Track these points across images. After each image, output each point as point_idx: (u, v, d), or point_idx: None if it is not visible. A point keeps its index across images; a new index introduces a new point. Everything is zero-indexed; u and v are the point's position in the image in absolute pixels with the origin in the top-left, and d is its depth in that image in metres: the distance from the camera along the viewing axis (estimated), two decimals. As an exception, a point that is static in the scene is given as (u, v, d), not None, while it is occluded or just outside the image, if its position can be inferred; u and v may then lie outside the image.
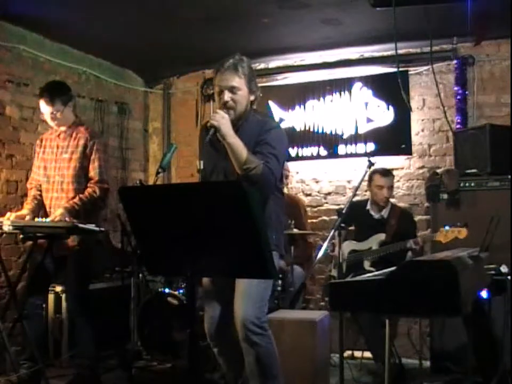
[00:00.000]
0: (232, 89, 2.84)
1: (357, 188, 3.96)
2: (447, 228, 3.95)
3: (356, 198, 4.50)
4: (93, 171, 3.74)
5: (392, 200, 5.14)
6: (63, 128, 3.83)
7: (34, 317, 3.77)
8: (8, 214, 3.71)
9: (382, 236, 4.41)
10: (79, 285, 3.77)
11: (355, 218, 4.35)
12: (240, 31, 4.92)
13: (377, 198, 4.52)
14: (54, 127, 3.87)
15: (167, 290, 4.46)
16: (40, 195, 3.88)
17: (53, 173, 3.80)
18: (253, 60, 5.74)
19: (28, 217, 3.69)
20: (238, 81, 2.84)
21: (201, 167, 2.93)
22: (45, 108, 3.79)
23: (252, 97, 2.93)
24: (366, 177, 4.36)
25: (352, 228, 4.47)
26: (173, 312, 4.32)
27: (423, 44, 5.06)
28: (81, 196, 3.69)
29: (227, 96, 2.84)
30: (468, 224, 3.88)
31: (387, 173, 4.52)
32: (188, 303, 3.67)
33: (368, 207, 4.57)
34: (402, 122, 5.29)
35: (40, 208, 3.86)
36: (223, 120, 2.74)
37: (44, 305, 4.34)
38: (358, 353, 4.66)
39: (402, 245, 4.23)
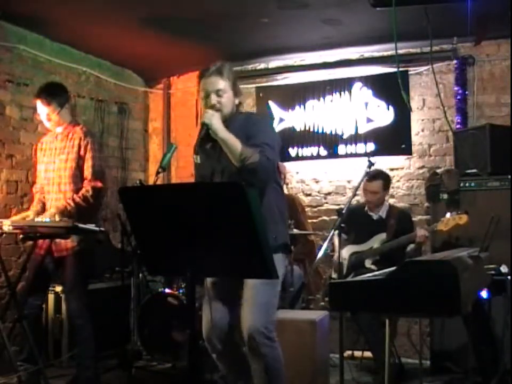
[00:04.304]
0: (218, 92, 2.88)
1: (356, 188, 3.97)
2: (447, 216, 3.94)
3: (353, 203, 4.50)
4: (87, 170, 3.75)
5: (391, 200, 5.15)
6: (59, 130, 3.85)
7: (31, 316, 3.77)
8: (13, 218, 3.75)
9: (383, 236, 4.42)
10: (79, 285, 3.77)
11: (354, 222, 4.35)
12: (240, 31, 4.92)
13: (365, 199, 4.57)
14: (50, 128, 3.89)
15: (167, 290, 4.46)
16: (44, 197, 3.90)
17: (52, 174, 3.82)
18: (253, 60, 5.81)
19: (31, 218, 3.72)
20: (223, 84, 2.89)
21: (198, 160, 3.02)
22: (41, 109, 3.81)
23: (237, 101, 2.97)
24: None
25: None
26: (173, 312, 4.32)
27: (423, 43, 5.06)
28: (74, 196, 3.70)
29: (214, 99, 2.88)
30: (468, 211, 3.88)
31: (371, 177, 4.38)
32: (188, 303, 3.67)
33: (366, 208, 4.58)
34: (402, 122, 5.29)
35: (45, 211, 3.87)
36: (213, 118, 2.78)
37: (44, 305, 4.35)
38: (358, 353, 4.65)
39: (406, 239, 4.24)
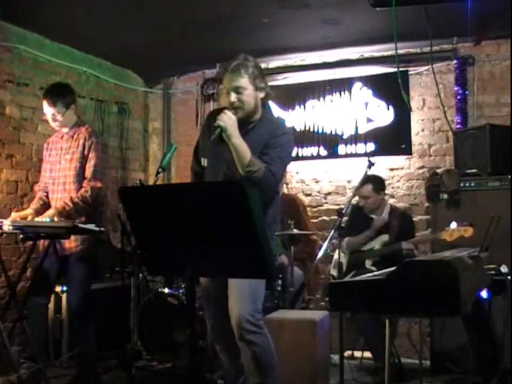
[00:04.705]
0: (237, 90, 2.89)
1: (357, 188, 3.97)
2: (453, 226, 3.89)
3: (354, 203, 4.50)
4: (88, 170, 3.77)
5: (391, 200, 5.16)
6: (65, 130, 3.88)
7: (39, 316, 3.78)
8: (13, 214, 3.75)
9: (385, 237, 4.43)
10: (83, 284, 3.78)
11: (359, 222, 4.36)
12: (240, 31, 4.91)
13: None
14: (56, 128, 3.92)
15: (167, 290, 4.46)
16: (47, 196, 3.92)
17: (57, 174, 3.85)
18: (253, 60, 5.77)
19: (30, 217, 3.73)
20: (242, 81, 2.89)
21: (204, 164, 3.00)
22: (47, 109, 3.84)
23: (261, 95, 2.97)
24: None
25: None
26: (173, 312, 4.32)
27: (423, 43, 5.06)
28: (72, 196, 3.71)
29: (233, 97, 2.89)
30: (474, 224, 3.87)
31: (361, 183, 4.13)
32: (188, 303, 3.67)
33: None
34: (402, 122, 5.29)
35: (45, 209, 3.87)
36: (229, 121, 2.80)
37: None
38: (358, 353, 4.66)
39: (396, 247, 4.26)
